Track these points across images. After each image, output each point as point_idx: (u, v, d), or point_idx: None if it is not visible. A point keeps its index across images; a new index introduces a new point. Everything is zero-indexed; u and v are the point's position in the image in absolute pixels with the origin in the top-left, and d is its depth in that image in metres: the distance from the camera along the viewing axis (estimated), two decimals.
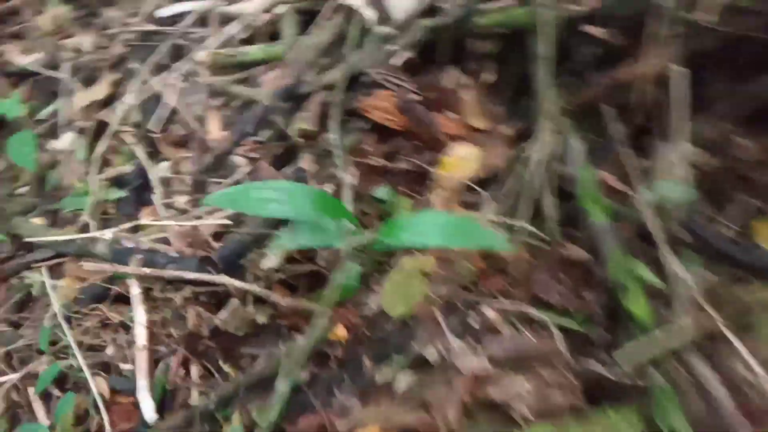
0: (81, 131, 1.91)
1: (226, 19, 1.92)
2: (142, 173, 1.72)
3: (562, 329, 1.20)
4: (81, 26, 2.22)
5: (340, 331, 1.21)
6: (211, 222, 1.32)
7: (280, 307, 1.29)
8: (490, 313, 1.22)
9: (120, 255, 1.37)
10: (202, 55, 1.81)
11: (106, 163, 1.83)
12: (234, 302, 1.29)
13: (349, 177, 1.37)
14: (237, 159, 1.50)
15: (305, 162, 1.40)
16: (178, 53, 1.96)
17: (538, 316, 1.20)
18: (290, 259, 1.33)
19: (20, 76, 2.11)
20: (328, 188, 1.38)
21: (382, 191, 1.42)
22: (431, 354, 1.18)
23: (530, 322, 1.22)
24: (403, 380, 1.18)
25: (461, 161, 1.48)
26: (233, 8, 1.92)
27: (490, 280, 1.30)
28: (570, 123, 1.40)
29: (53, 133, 1.98)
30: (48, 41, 2.17)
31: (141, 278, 1.31)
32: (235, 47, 1.79)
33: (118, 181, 1.75)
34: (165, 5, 2.11)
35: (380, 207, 1.42)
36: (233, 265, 1.32)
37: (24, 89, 2.11)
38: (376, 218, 1.41)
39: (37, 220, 1.64)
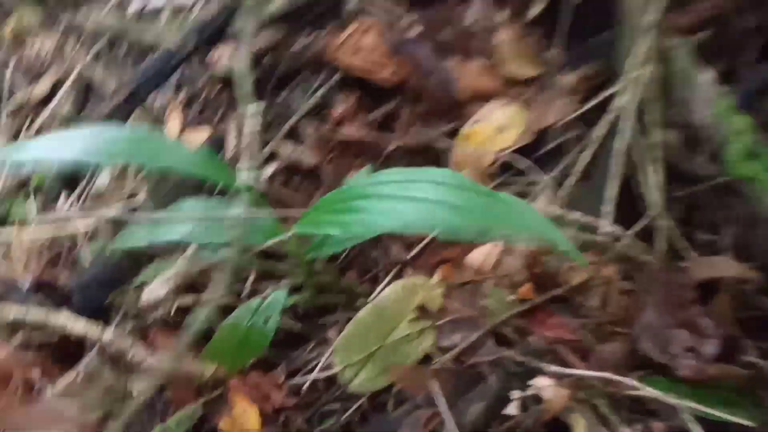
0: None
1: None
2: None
3: (702, 420, 0.56)
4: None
5: (249, 421, 0.62)
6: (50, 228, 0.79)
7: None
8: (550, 391, 0.59)
9: None
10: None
11: None
12: (89, 362, 0.73)
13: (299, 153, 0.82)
14: None
15: (229, 132, 0.86)
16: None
17: (652, 396, 0.57)
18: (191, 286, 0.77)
19: None
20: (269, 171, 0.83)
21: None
22: None
23: (633, 407, 0.59)
24: None
25: (496, 128, 0.90)
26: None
27: (547, 323, 0.68)
28: (688, 47, 0.79)
29: None
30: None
31: None
32: None
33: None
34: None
35: None
36: (100, 302, 0.78)
37: None
38: None
39: None
